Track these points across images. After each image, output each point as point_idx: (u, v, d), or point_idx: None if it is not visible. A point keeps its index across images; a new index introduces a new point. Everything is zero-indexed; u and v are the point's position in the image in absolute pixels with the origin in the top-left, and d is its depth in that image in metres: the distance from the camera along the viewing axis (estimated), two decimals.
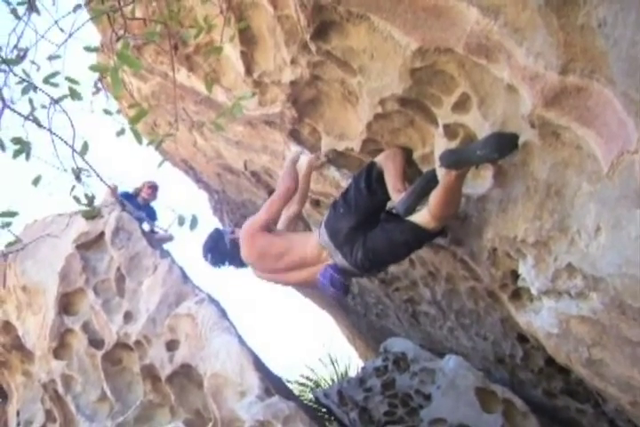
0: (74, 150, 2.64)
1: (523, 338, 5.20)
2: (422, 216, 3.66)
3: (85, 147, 2.65)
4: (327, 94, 4.39)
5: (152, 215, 8.79)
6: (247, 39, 4.48)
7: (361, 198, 3.98)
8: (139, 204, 8.70)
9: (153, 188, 8.90)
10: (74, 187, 2.91)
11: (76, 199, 2.95)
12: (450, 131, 3.53)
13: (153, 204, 9.10)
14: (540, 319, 3.54)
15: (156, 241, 8.22)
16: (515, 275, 3.71)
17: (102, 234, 6.87)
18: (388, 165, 4.04)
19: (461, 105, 3.36)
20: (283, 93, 4.56)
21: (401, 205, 3.77)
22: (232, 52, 4.71)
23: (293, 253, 4.15)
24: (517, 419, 5.54)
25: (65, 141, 2.67)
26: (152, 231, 8.68)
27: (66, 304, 6.64)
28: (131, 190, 8.90)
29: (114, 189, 8.14)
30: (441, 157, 3.33)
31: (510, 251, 3.52)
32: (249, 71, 4.67)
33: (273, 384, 4.85)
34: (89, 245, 6.84)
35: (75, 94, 2.54)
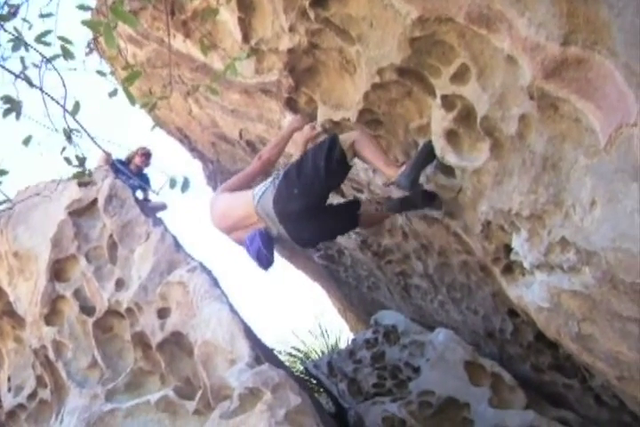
0: (65, 110, 2.60)
1: (513, 313, 5.23)
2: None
3: (77, 107, 2.60)
4: (325, 63, 4.34)
5: (145, 183, 8.72)
6: (245, 5, 4.42)
7: (318, 182, 4.00)
8: (131, 171, 8.62)
9: (146, 155, 8.78)
10: (65, 148, 2.88)
11: (67, 160, 2.92)
12: (447, 102, 3.49)
13: (146, 171, 9.02)
14: (532, 293, 3.54)
15: (150, 209, 8.18)
16: (508, 249, 3.71)
17: (95, 201, 6.80)
18: (366, 143, 4.04)
19: (460, 76, 3.32)
20: (280, 61, 4.51)
21: (404, 179, 3.77)
22: (229, 18, 4.64)
23: (231, 212, 4.36)
24: (505, 393, 5.58)
25: (56, 101, 2.63)
26: (145, 199, 8.63)
27: (57, 271, 6.60)
28: (123, 157, 8.79)
29: (107, 156, 8.10)
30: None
31: (504, 224, 3.51)
32: (246, 38, 4.61)
33: (263, 353, 4.86)
34: (81, 212, 6.78)
35: (67, 53, 2.49)
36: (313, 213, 4.05)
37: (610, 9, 2.14)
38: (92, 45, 3.11)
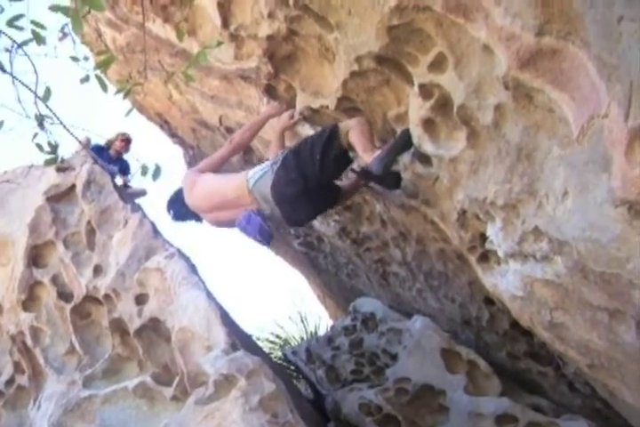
0: (36, 96, 2.57)
1: (489, 301, 5.27)
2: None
3: (48, 93, 2.58)
4: (304, 50, 4.32)
5: (125, 169, 8.66)
6: None
7: (312, 173, 4.09)
8: (110, 157, 8.55)
9: (126, 140, 8.72)
10: (36, 134, 2.86)
11: (39, 147, 2.89)
12: (425, 91, 3.49)
13: (126, 157, 8.95)
14: (506, 282, 3.57)
15: (129, 195, 8.14)
16: (483, 237, 3.73)
17: (73, 187, 6.76)
18: (357, 130, 4.05)
19: (437, 65, 3.32)
20: (259, 48, 4.49)
21: (377, 162, 3.78)
22: (209, 3, 4.61)
23: (218, 193, 4.44)
24: (480, 380, 5.63)
25: (28, 87, 2.60)
26: (125, 185, 8.57)
27: (35, 256, 6.57)
28: (103, 143, 8.71)
29: (86, 142, 8.03)
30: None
31: (479, 213, 3.53)
32: (225, 24, 4.58)
33: (240, 340, 4.87)
34: (59, 198, 6.74)
35: (39, 38, 2.46)
36: (310, 196, 4.17)
37: (582, 0, 2.14)
38: (65, 30, 3.07)
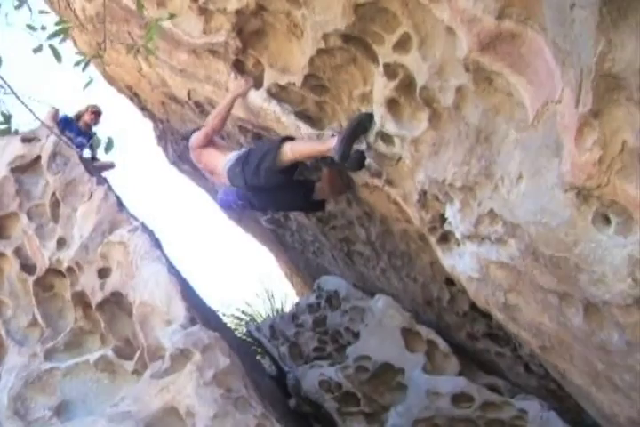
0: None
1: (450, 282, 5.31)
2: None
3: None
4: (273, 26, 4.29)
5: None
6: None
7: (255, 178, 4.62)
8: (80, 129, 8.45)
9: (96, 113, 8.61)
10: None
11: None
12: (390, 70, 3.49)
13: (96, 129, 8.84)
14: (463, 263, 3.61)
15: (98, 168, 8.06)
16: (443, 218, 3.75)
17: (38, 158, 6.66)
18: (296, 143, 4.49)
19: (402, 44, 3.32)
20: (228, 22, 4.45)
21: (337, 152, 4.01)
22: None
23: (213, 164, 5.20)
24: (439, 359, 5.70)
25: None
26: (93, 158, 8.49)
27: None
28: (72, 115, 8.60)
29: (54, 113, 7.93)
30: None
31: (439, 194, 3.56)
32: None
33: (203, 315, 4.88)
34: (24, 169, 6.64)
35: None
36: (254, 191, 4.88)
37: None
38: None
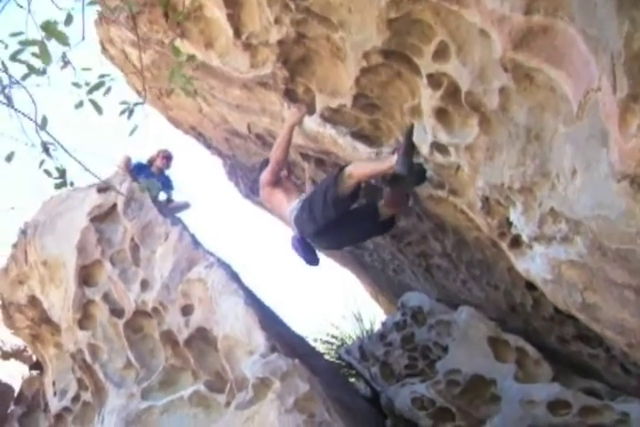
0: (37, 125, 2.65)
1: (531, 286, 5.18)
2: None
3: (45, 121, 2.66)
4: (316, 52, 4.35)
5: (168, 184, 8.81)
6: (231, 1, 4.45)
7: (326, 211, 4.40)
8: (152, 174, 8.71)
9: (167, 157, 8.86)
10: (43, 161, 2.95)
11: (47, 173, 2.99)
12: (433, 80, 3.49)
13: (169, 173, 9.08)
14: (536, 266, 3.53)
15: (174, 209, 8.29)
16: (509, 223, 3.69)
17: (115, 206, 6.94)
18: (358, 164, 4.37)
19: (441, 53, 3.31)
20: (272, 54, 4.53)
21: (399, 167, 3.86)
22: (220, 15, 4.68)
23: (280, 209, 5.03)
24: (530, 367, 5.56)
25: (28, 117, 2.68)
26: (169, 200, 8.72)
27: (85, 276, 6.76)
28: (145, 160, 8.86)
29: (126, 161, 8.21)
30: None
31: (500, 199, 3.51)
32: (237, 33, 4.64)
33: (287, 342, 4.93)
34: (102, 218, 6.93)
35: (36, 72, 2.53)
36: (328, 229, 4.54)
37: None
38: (66, 59, 3.14)
